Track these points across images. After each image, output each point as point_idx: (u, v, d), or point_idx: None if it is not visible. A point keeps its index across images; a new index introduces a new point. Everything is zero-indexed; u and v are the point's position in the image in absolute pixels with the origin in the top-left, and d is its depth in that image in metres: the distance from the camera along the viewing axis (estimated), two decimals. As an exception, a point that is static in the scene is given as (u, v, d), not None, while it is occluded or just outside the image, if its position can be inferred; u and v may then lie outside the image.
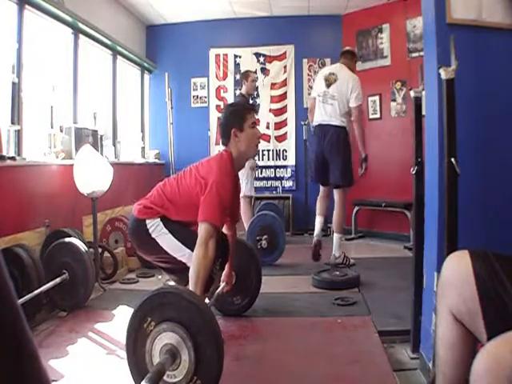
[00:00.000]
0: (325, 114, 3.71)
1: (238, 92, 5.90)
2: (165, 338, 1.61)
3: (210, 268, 1.96)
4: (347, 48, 4.10)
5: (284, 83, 5.85)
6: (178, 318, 1.60)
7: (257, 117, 2.36)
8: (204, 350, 1.58)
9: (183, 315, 1.60)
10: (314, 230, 3.98)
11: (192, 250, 1.98)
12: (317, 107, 3.77)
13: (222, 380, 1.94)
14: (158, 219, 2.13)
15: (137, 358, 1.66)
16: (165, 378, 1.59)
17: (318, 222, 3.87)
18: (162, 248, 2.13)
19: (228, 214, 2.25)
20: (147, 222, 2.13)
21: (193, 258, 1.94)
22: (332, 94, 3.68)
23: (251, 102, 4.70)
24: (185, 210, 2.12)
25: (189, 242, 2.05)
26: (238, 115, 2.24)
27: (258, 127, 2.31)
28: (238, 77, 5.91)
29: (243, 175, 4.11)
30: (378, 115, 5.38)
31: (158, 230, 2.12)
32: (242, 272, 2.64)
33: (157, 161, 5.73)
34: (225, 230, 2.37)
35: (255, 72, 4.61)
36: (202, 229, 1.98)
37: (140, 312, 1.67)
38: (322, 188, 3.94)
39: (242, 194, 4.22)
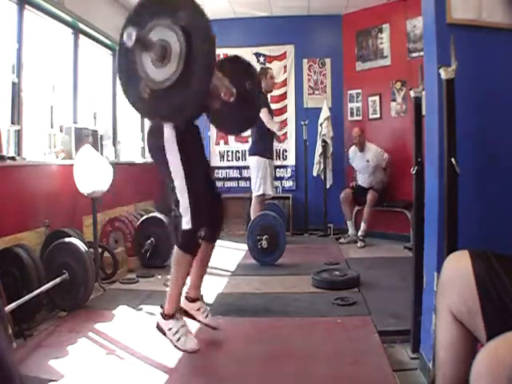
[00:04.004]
0: None
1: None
2: (163, 34, 1.68)
3: None
4: None
5: (284, 83, 5.84)
6: None
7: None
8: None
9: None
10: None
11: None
12: None
13: (222, 380, 1.96)
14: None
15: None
16: (149, 70, 1.69)
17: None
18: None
19: None
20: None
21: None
22: None
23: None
24: None
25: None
26: None
27: None
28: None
29: (259, 174, 4.15)
30: (377, 115, 5.38)
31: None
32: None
33: (157, 161, 5.70)
34: None
35: (271, 69, 4.66)
36: None
37: None
38: None
39: (260, 193, 4.27)
